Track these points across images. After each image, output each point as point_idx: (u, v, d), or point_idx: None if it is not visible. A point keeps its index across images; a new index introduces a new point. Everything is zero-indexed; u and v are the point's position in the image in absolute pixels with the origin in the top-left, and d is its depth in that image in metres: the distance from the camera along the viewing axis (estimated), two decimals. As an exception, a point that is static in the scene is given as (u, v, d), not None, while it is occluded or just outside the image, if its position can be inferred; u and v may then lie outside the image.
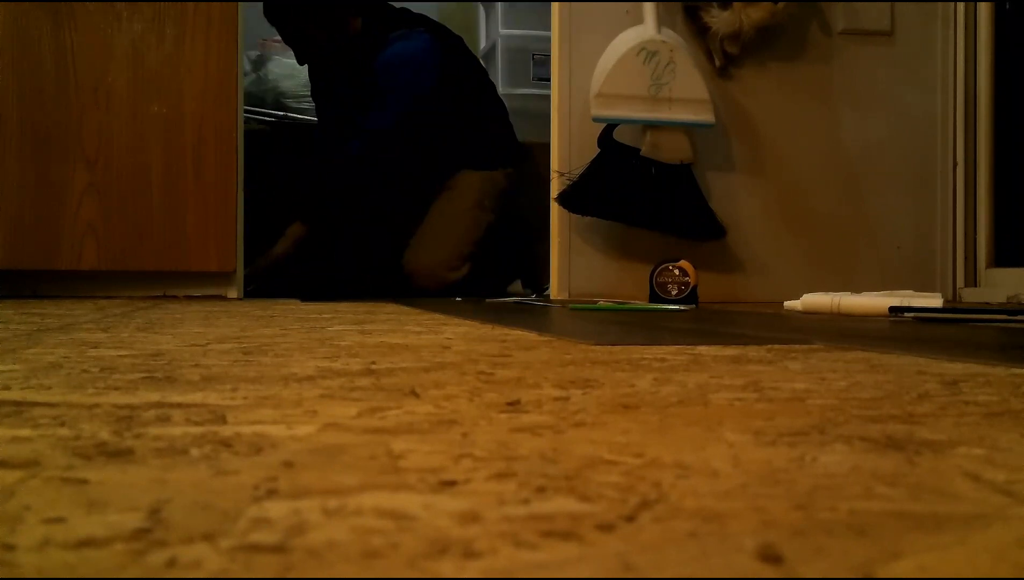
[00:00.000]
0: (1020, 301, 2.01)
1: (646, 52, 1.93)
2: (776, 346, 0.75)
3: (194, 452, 0.30)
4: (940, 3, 2.21)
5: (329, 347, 0.72)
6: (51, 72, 1.93)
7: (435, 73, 2.31)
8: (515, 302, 1.87)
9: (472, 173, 2.40)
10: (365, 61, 2.30)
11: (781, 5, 2.03)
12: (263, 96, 2.80)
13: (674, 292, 1.78)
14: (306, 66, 2.45)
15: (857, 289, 1.63)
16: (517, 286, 2.58)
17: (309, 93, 2.61)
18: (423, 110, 2.32)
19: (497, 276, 2.49)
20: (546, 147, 2.13)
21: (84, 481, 0.26)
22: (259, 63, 2.83)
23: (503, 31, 3.17)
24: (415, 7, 2.51)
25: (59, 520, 0.22)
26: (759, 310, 1.62)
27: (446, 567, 0.19)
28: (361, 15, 2.32)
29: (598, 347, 0.73)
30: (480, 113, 2.45)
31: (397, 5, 2.45)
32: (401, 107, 2.31)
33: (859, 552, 0.20)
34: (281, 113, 2.76)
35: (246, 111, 2.25)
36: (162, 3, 1.97)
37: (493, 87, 2.57)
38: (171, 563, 0.19)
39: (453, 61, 2.39)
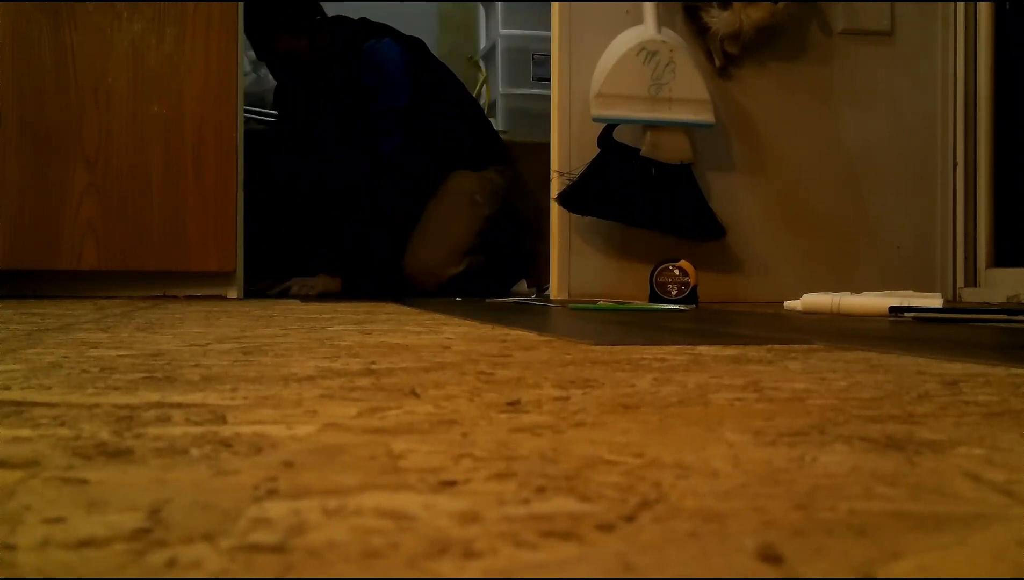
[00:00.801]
0: (1020, 301, 2.01)
1: (646, 52, 1.93)
2: (776, 346, 0.75)
3: (194, 452, 0.30)
4: (940, 3, 2.21)
5: (329, 347, 0.72)
6: (51, 72, 1.93)
7: (407, 73, 2.34)
8: (515, 302, 1.87)
9: (464, 173, 2.41)
10: (347, 65, 2.33)
11: (781, 5, 2.03)
12: (263, 96, 2.80)
13: (674, 292, 1.78)
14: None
15: (857, 289, 1.63)
16: (522, 286, 2.58)
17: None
18: (412, 103, 2.34)
19: (500, 274, 2.48)
20: (546, 147, 2.12)
21: (84, 481, 0.26)
22: (259, 63, 2.83)
23: (503, 31, 3.17)
24: (415, 7, 2.51)
25: (59, 520, 0.22)
26: (759, 310, 1.62)
27: (446, 567, 0.19)
28: (329, 30, 2.34)
29: (598, 347, 0.73)
30: (459, 113, 2.47)
31: (371, 18, 2.48)
32: (404, 86, 2.32)
33: (859, 552, 0.20)
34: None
35: (246, 111, 2.25)
36: (162, 3, 1.97)
37: (463, 87, 2.58)
38: (171, 563, 0.19)
39: (422, 63, 2.42)
